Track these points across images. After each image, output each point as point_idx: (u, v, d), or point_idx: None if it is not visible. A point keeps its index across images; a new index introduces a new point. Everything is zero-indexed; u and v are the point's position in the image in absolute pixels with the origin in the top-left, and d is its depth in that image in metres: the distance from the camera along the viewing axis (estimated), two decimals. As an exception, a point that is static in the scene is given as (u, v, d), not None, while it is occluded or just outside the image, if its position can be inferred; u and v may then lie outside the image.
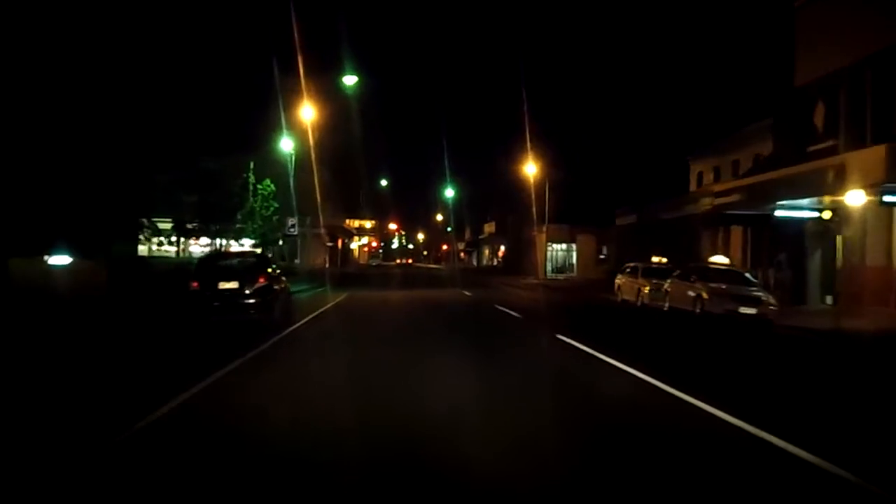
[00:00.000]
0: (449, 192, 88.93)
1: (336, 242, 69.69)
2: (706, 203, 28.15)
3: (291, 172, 29.30)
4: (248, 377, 8.67)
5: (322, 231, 52.63)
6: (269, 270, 15.19)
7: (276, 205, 30.29)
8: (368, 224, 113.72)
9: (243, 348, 10.59)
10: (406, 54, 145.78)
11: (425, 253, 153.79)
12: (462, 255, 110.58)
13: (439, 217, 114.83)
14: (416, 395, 7.68)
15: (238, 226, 29.70)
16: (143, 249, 34.37)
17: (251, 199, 28.92)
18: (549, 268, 52.08)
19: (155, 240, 33.96)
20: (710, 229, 29.32)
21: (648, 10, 66.82)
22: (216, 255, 20.58)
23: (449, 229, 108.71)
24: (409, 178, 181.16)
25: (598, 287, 35.61)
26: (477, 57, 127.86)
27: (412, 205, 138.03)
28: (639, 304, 24.02)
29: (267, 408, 6.90)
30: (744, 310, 17.39)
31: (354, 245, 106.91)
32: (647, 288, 23.52)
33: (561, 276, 50.98)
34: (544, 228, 50.59)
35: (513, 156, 61.82)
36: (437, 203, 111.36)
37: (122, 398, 7.23)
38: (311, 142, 31.72)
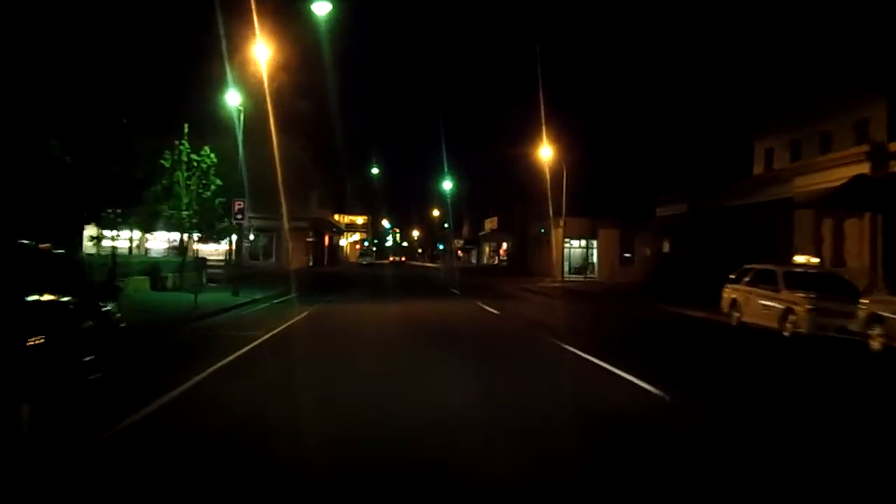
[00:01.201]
0: (447, 185, 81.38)
1: (322, 239, 62.03)
2: (803, 185, 20.61)
3: (239, 134, 21.33)
4: None
5: (304, 225, 44.79)
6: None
7: (217, 181, 22.25)
8: (360, 220, 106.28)
9: None
10: (396, 22, 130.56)
11: (420, 251, 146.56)
12: (459, 253, 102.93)
13: (436, 213, 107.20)
14: None
15: (163, 210, 21.24)
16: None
17: (179, 172, 20.80)
18: (565, 267, 44.51)
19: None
20: (817, 218, 21.75)
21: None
22: None
23: (446, 225, 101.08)
24: (404, 172, 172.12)
25: (636, 293, 28.12)
26: (476, 22, 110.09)
27: (407, 200, 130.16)
28: (785, 332, 14.70)
29: None
30: None
31: (345, 242, 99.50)
32: (804, 307, 14.38)
33: (581, 278, 43.45)
34: (562, 222, 43.03)
35: (521, 140, 54.33)
36: (434, 198, 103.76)
37: None
38: (269, 98, 23.61)
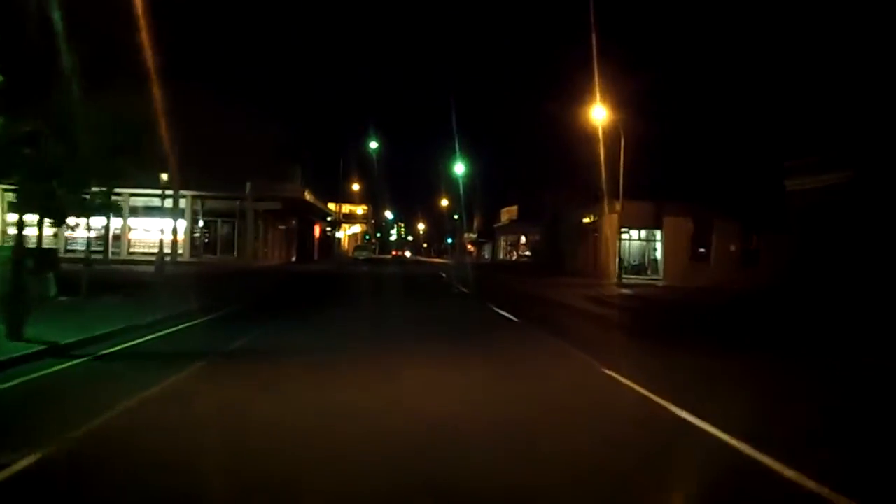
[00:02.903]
0: (459, 168, 70.47)
1: (309, 228, 51.43)
2: None
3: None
4: None
5: (275, 206, 34.03)
6: None
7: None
8: (360, 210, 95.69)
9: None
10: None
11: (425, 245, 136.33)
12: (470, 247, 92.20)
13: (444, 202, 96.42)
14: None
15: None
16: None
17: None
18: (617, 265, 33.82)
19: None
20: None
21: None
22: None
23: (456, 216, 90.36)
24: (408, 160, 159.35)
25: (754, 303, 17.47)
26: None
27: (411, 190, 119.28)
28: None
29: None
30: None
31: (342, 234, 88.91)
32: None
33: (643, 279, 32.72)
34: (618, 206, 32.38)
35: (551, 109, 43.75)
36: (441, 187, 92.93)
37: None
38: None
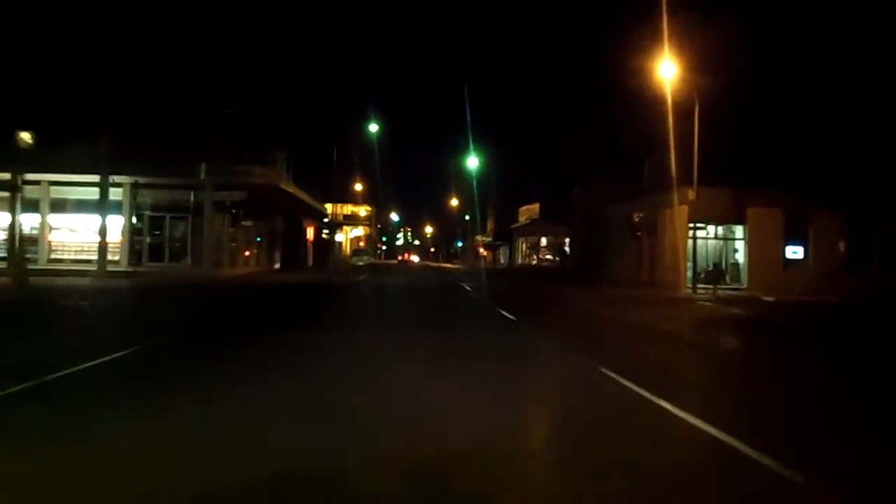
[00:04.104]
0: (472, 162, 62.65)
1: (297, 228, 43.77)
2: None
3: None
4: None
5: (238, 197, 25.99)
6: None
7: None
8: (363, 211, 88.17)
9: None
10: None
11: (433, 249, 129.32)
12: (482, 251, 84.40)
13: (454, 202, 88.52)
14: None
15: None
16: None
17: None
18: (689, 270, 25.94)
19: None
20: None
21: None
22: None
23: (467, 217, 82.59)
24: (415, 157, 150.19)
25: None
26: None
27: (418, 192, 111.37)
28: None
29: None
30: None
31: (343, 238, 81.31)
32: None
33: (719, 289, 24.67)
34: (690, 193, 24.64)
35: (593, 79, 36.55)
36: (452, 184, 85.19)
37: None
38: None
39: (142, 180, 24.09)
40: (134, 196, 24.33)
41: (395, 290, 24.17)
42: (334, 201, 65.34)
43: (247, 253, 30.76)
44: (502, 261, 76.70)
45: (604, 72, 35.16)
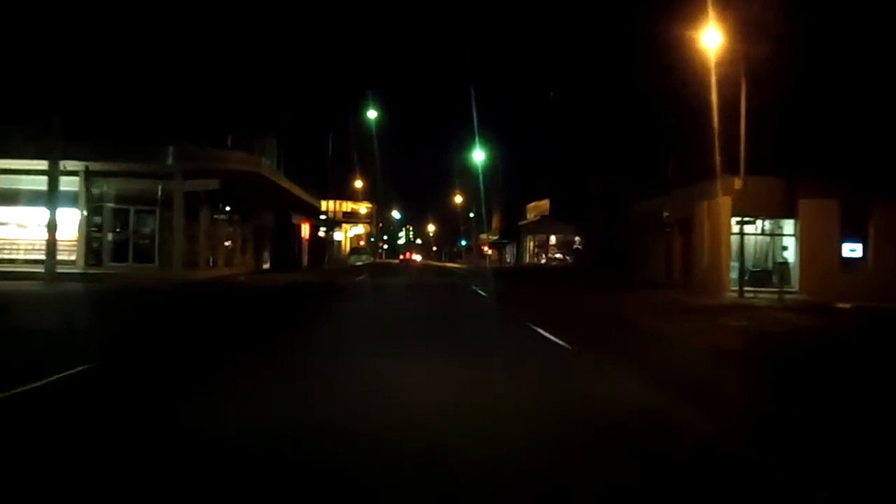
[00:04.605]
0: (478, 156, 59.37)
1: (294, 227, 40.47)
2: None
3: None
4: None
5: (212, 186, 22.49)
6: None
7: None
8: (364, 208, 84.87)
9: None
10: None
11: (434, 248, 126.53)
12: (487, 249, 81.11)
13: (458, 199, 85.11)
14: None
15: None
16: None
17: None
18: (734, 271, 22.57)
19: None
20: None
21: None
22: None
23: (472, 214, 79.28)
24: (417, 153, 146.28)
25: None
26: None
27: (421, 189, 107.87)
28: None
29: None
30: None
31: (342, 236, 77.98)
32: None
33: (767, 292, 21.22)
34: (737, 182, 21.30)
35: (612, 63, 33.47)
36: (455, 180, 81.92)
37: None
38: None
39: (96, 166, 20.76)
40: (89, 186, 21.02)
41: (398, 301, 20.16)
42: (333, 198, 61.85)
43: (229, 251, 27.39)
44: (508, 260, 73.42)
45: (626, 54, 31.90)
